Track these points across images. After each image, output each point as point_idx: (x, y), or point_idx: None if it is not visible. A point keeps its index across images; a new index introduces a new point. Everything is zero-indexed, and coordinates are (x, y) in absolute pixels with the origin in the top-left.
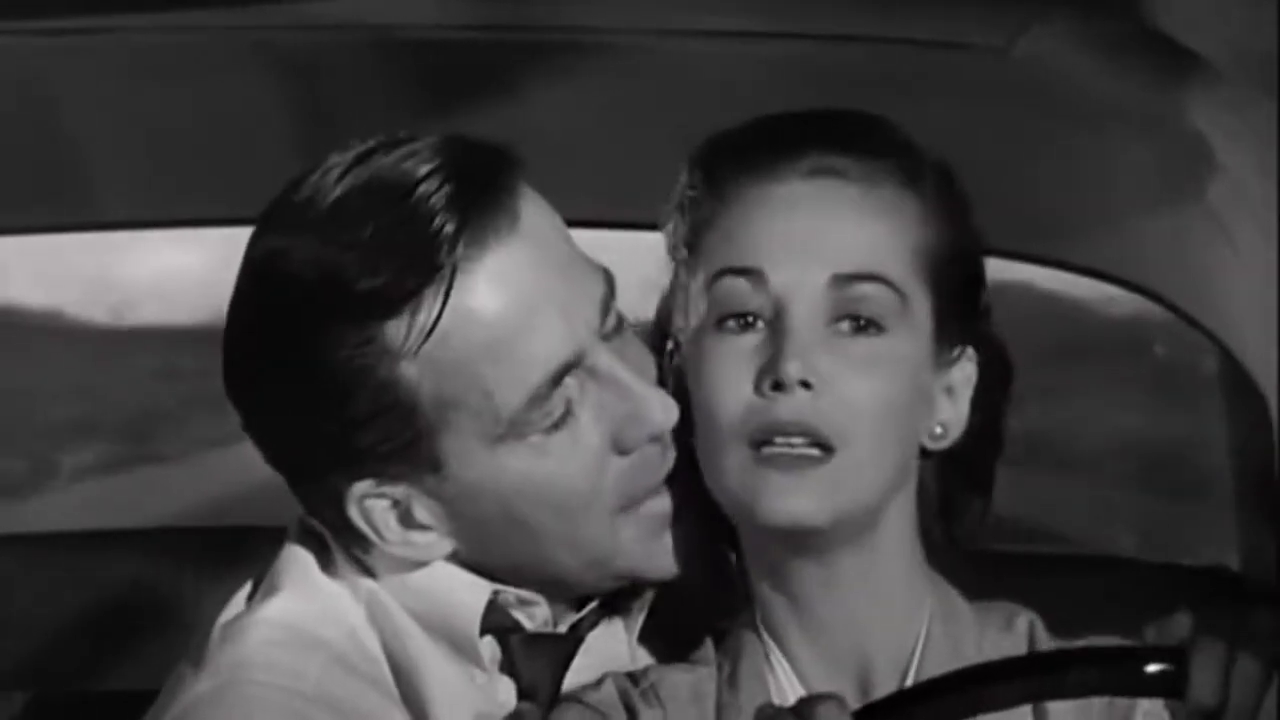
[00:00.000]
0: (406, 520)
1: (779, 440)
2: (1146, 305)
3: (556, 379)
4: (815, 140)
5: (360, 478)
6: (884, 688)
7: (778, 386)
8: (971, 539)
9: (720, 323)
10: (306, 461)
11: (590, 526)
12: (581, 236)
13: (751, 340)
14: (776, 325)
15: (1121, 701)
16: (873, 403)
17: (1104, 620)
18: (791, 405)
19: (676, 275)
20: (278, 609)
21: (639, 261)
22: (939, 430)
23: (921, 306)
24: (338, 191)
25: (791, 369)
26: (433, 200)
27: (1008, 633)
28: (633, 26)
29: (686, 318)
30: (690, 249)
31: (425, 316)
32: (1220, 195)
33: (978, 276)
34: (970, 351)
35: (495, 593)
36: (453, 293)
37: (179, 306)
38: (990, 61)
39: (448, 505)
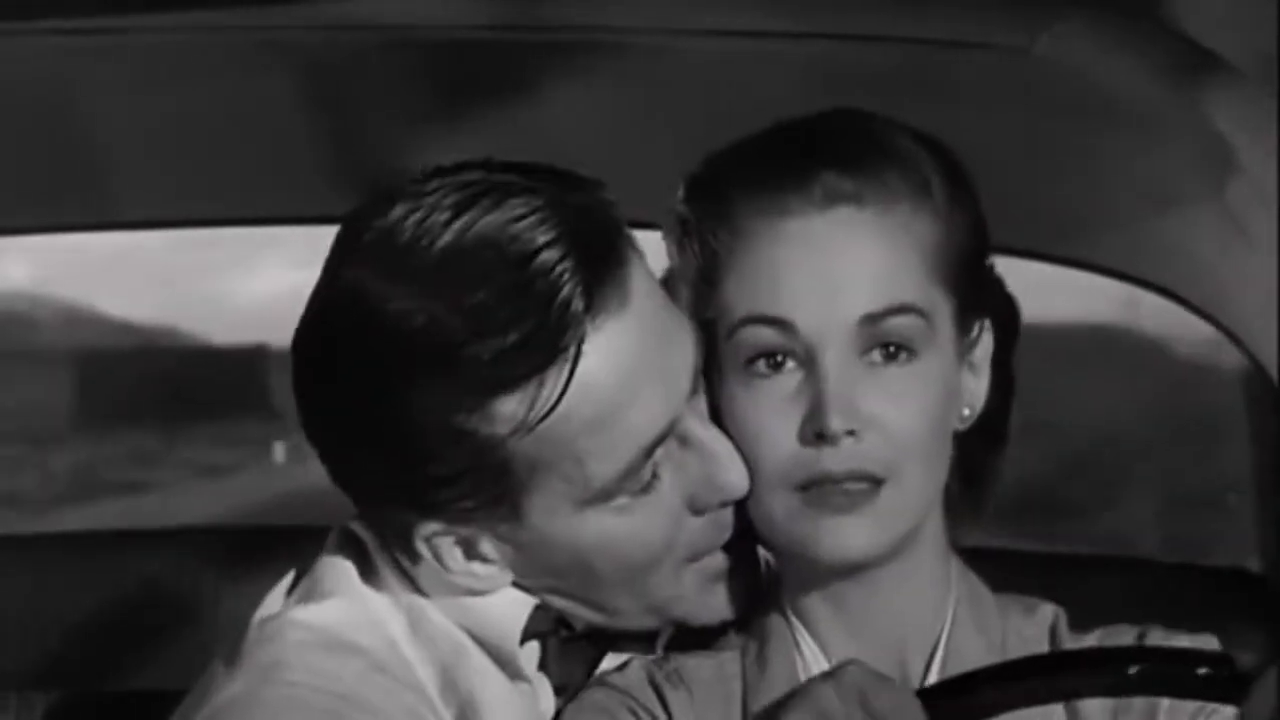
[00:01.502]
0: (471, 553)
1: (829, 485)
2: (1166, 305)
3: (651, 450)
4: (822, 163)
5: (433, 520)
6: (915, 668)
7: (821, 437)
8: (991, 500)
9: (749, 363)
10: (377, 496)
11: (656, 577)
12: None
13: (786, 384)
14: (811, 368)
15: (1141, 701)
16: (915, 432)
17: (1123, 620)
18: (839, 455)
19: (693, 302)
20: (315, 614)
21: (658, 262)
22: (966, 413)
23: (945, 318)
24: (445, 240)
25: (835, 423)
26: (556, 273)
27: (1030, 619)
28: (649, 26)
29: (709, 356)
30: (706, 281)
31: (546, 394)
32: (1239, 194)
33: (984, 243)
34: (986, 322)
35: (537, 605)
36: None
37: None
38: (1010, 61)
39: (518, 548)
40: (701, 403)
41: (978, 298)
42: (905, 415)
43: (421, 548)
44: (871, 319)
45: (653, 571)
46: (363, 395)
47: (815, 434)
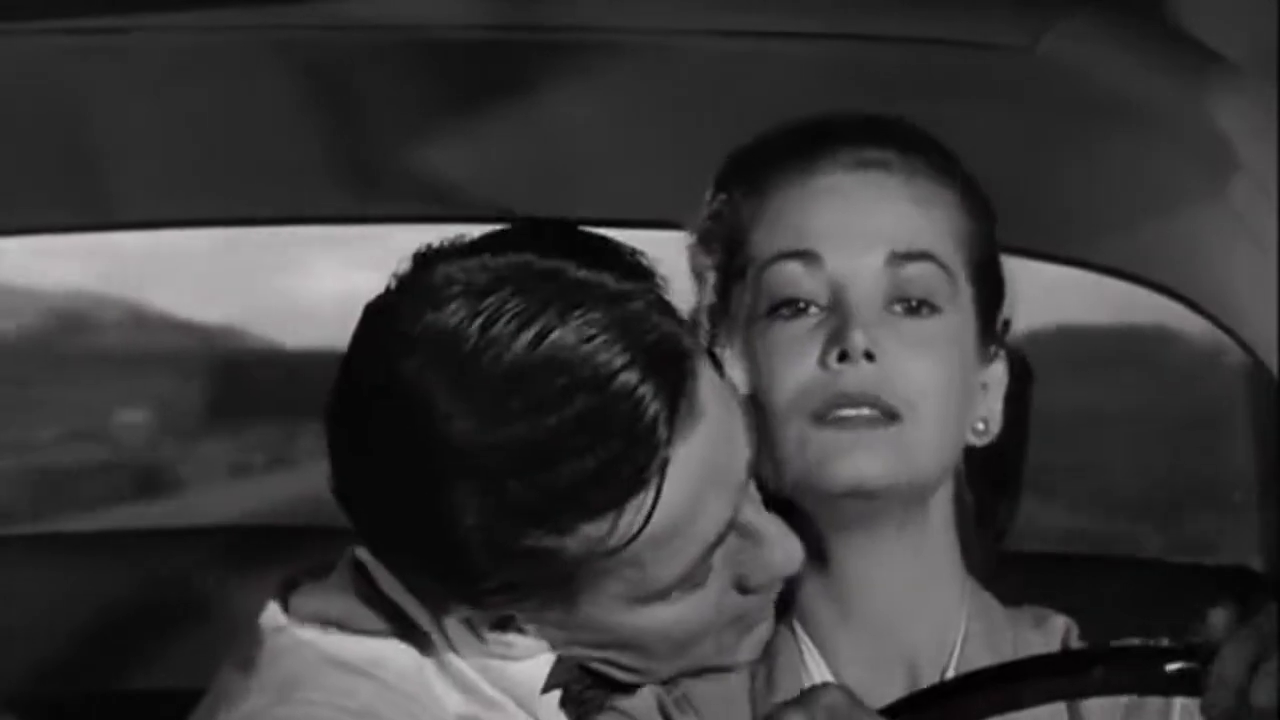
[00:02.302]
0: (508, 628)
1: (845, 409)
2: (1169, 305)
3: (712, 551)
4: (852, 137)
5: (475, 608)
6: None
7: (843, 358)
8: (1001, 542)
9: (772, 311)
10: (415, 578)
11: (700, 648)
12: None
13: (808, 323)
14: (836, 305)
15: (1156, 699)
16: (933, 379)
17: (1128, 621)
18: (858, 376)
19: (719, 279)
20: (327, 642)
21: (664, 261)
22: (981, 425)
23: (966, 292)
24: (513, 355)
25: (858, 339)
26: (637, 398)
27: (1040, 631)
28: (657, 27)
29: (731, 311)
30: (732, 249)
31: (628, 521)
32: (1243, 194)
33: (1001, 281)
34: (1002, 353)
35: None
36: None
37: None
38: (1013, 60)
39: (560, 628)
40: (752, 487)
41: (995, 312)
42: (923, 362)
43: (456, 623)
44: (898, 259)
45: (697, 644)
46: (413, 505)
47: (838, 354)
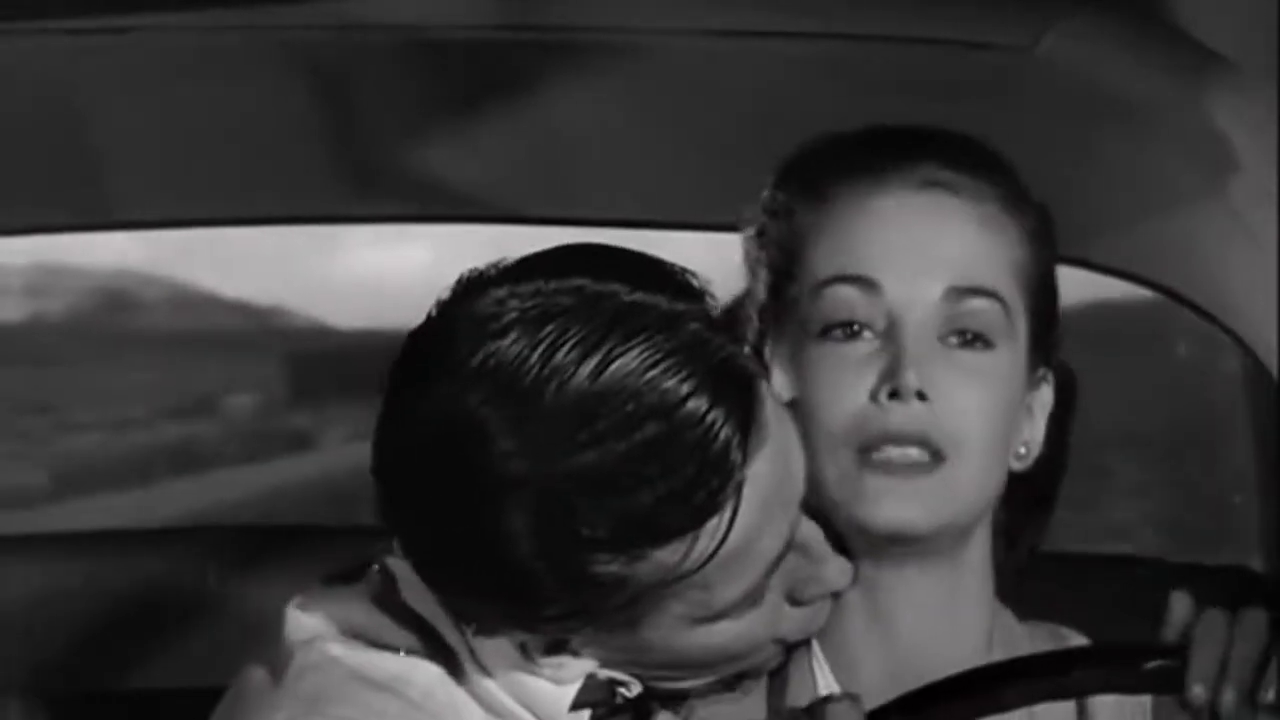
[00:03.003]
0: (561, 650)
1: (891, 449)
2: (1168, 304)
3: (774, 570)
4: (924, 154)
5: (532, 634)
6: None
7: (894, 395)
8: (1031, 558)
9: (825, 332)
10: (470, 605)
11: (750, 659)
12: (608, 236)
13: (861, 349)
14: (890, 336)
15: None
16: (983, 416)
17: (1126, 619)
18: (907, 414)
19: (771, 281)
20: (354, 659)
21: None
22: (1023, 450)
23: (1021, 325)
24: (576, 385)
25: (910, 378)
26: (707, 423)
27: (1056, 647)
28: (658, 26)
29: (784, 325)
30: (789, 255)
31: (702, 546)
32: (1242, 193)
33: (1056, 302)
34: (1049, 375)
35: (590, 674)
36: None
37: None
38: (1012, 60)
39: (618, 650)
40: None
41: (1048, 338)
42: (975, 396)
43: (508, 645)
44: (956, 293)
45: (751, 656)
46: (474, 537)
47: (889, 392)
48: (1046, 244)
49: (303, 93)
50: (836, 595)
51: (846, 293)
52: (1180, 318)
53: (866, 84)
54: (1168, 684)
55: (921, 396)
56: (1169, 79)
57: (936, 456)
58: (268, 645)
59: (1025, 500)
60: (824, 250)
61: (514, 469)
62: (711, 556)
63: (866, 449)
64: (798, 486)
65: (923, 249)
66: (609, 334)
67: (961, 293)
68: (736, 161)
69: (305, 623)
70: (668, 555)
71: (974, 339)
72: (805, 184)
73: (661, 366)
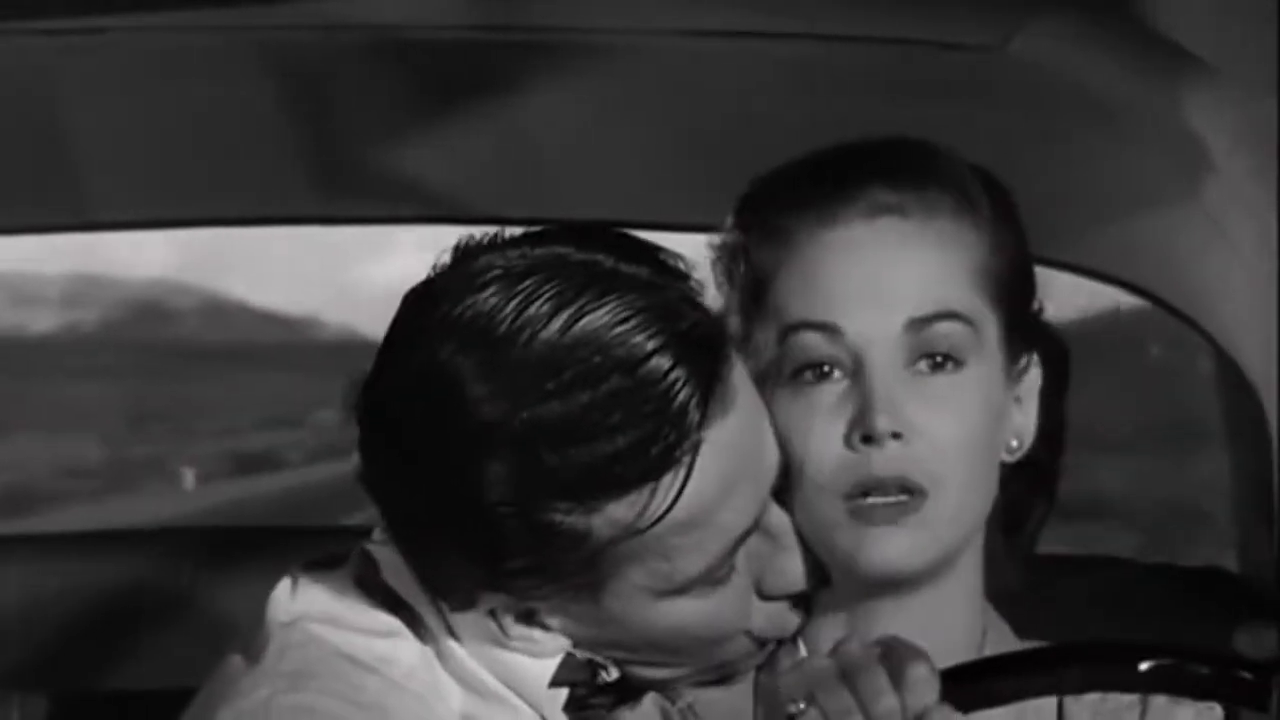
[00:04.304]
0: (531, 621)
1: (875, 493)
2: (1142, 305)
3: (738, 546)
4: (868, 177)
5: (501, 594)
6: None
7: (868, 440)
8: (1034, 547)
9: (795, 374)
10: (439, 564)
11: (723, 648)
12: None
13: (832, 391)
14: (858, 376)
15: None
16: (961, 441)
17: (1101, 618)
18: (885, 458)
19: (740, 323)
20: (337, 638)
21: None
22: (1014, 444)
23: (991, 332)
24: (546, 336)
25: (881, 423)
26: (669, 381)
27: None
28: (634, 27)
29: (755, 367)
30: (754, 298)
31: (658, 502)
32: (1216, 195)
33: (1032, 281)
34: (1034, 357)
35: (567, 653)
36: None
37: None
38: (984, 60)
39: (584, 623)
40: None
41: (1024, 325)
42: (951, 424)
43: (480, 615)
44: (917, 324)
45: (722, 645)
46: (445, 485)
47: (862, 437)
48: (1008, 225)
49: (280, 94)
50: (806, 599)
51: (809, 338)
52: (1153, 319)
53: (839, 84)
54: (1163, 686)
55: (897, 436)
56: (1142, 79)
57: (919, 494)
58: (244, 638)
59: (1027, 485)
60: (783, 292)
61: (484, 414)
62: (665, 514)
63: (850, 496)
64: (766, 467)
65: (878, 284)
66: (584, 291)
67: (923, 322)
68: (714, 161)
69: (288, 605)
70: (624, 510)
71: (944, 360)
72: (758, 223)
73: (631, 323)
